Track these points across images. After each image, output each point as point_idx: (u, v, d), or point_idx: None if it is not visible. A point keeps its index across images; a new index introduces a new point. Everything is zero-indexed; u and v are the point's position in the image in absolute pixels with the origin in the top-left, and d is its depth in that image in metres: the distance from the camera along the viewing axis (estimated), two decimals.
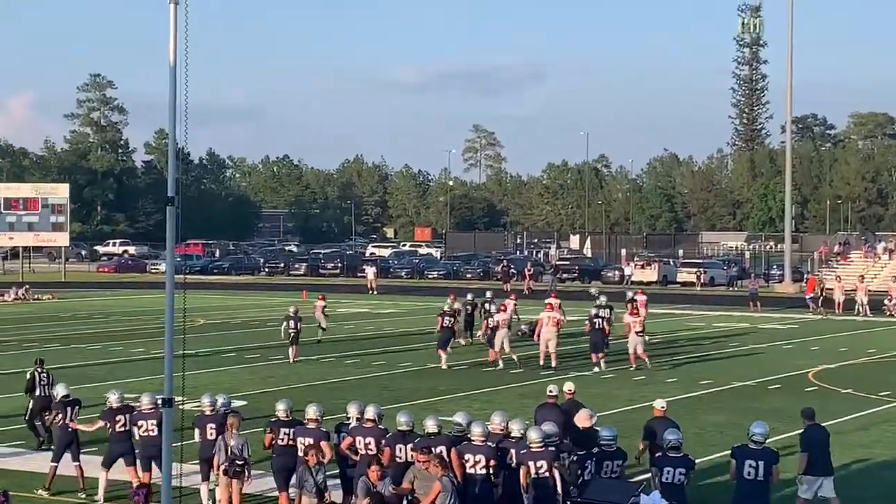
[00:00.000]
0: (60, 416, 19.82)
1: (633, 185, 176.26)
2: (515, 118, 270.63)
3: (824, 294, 57.76)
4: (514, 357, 35.44)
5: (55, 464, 19.54)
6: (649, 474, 17.77)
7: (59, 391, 20.47)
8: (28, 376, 24.20)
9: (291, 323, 37.18)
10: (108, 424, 19.29)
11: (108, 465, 19.19)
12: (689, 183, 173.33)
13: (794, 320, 53.51)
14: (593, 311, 36.17)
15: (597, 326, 35.71)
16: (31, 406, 23.58)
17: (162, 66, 13.76)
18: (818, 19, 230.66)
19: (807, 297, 58.67)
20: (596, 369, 34.66)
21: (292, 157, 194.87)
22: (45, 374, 23.87)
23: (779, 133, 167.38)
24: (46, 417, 20.83)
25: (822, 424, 18.65)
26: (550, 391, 19.89)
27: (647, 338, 36.12)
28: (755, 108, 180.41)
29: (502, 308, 37.17)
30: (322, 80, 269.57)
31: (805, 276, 71.74)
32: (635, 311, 36.14)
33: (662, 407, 18.63)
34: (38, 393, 23.53)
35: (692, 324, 51.39)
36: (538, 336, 35.89)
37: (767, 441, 16.29)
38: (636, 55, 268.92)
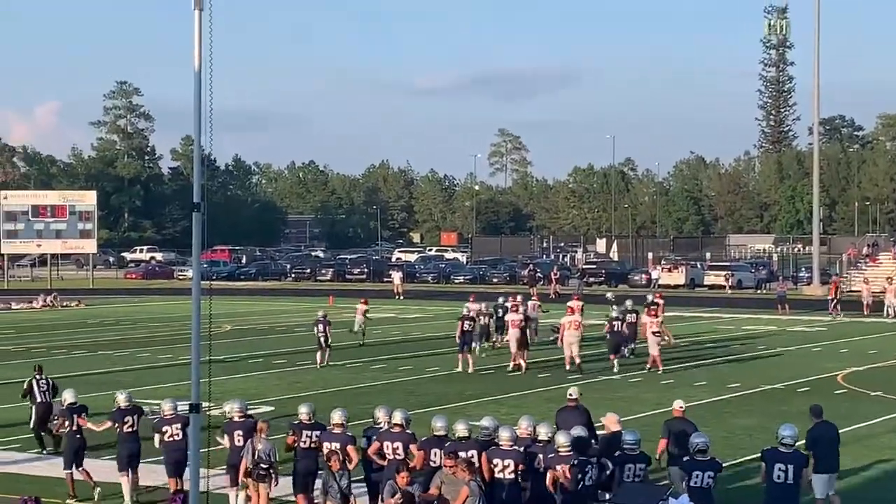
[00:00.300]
0: (67, 423, 19.87)
1: (659, 188, 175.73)
2: (541, 122, 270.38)
3: (839, 296, 57.62)
4: (522, 362, 35.55)
5: (69, 471, 19.64)
6: (668, 476, 17.74)
7: (67, 398, 20.44)
8: (25, 384, 24.26)
9: (320, 327, 37.10)
10: (117, 425, 19.42)
11: (124, 468, 19.29)
12: (715, 185, 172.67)
13: (822, 323, 53.25)
14: (613, 314, 36.67)
15: (615, 329, 36.16)
16: (33, 414, 23.67)
17: (188, 73, 13.78)
18: (845, 20, 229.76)
19: (829, 299, 58.44)
20: (615, 370, 35.05)
21: (318, 162, 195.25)
22: (44, 381, 23.98)
23: (806, 135, 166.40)
24: (53, 424, 20.81)
25: (833, 422, 18.51)
26: (571, 395, 19.83)
27: (663, 339, 36.10)
28: (782, 110, 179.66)
29: (513, 309, 37.23)
30: (347, 85, 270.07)
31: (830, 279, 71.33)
32: (652, 313, 36.35)
33: (681, 407, 18.65)
34: (38, 400, 23.64)
35: (720, 327, 51.18)
36: (562, 340, 35.99)
37: (797, 444, 16.16)
38: (662, 58, 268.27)
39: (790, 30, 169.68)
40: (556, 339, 37.35)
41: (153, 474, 20.11)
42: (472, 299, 40.20)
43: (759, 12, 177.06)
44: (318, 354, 36.86)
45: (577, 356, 35.15)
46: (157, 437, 19.01)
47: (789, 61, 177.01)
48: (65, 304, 67.19)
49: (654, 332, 35.36)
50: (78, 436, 19.83)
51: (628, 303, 39.77)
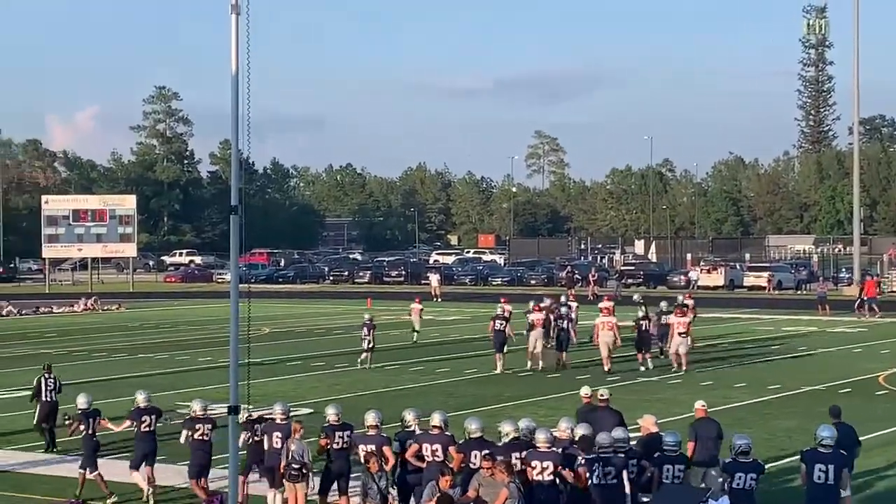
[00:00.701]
0: (83, 426, 19.99)
1: (698, 188, 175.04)
2: (578, 123, 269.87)
3: (866, 297, 57.32)
4: (540, 363, 35.95)
5: (95, 471, 19.85)
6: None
7: (80, 402, 20.56)
8: (34, 382, 24.52)
9: (366, 330, 37.21)
10: (134, 424, 19.69)
11: (136, 466, 19.63)
12: (755, 186, 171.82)
13: (863, 323, 52.90)
14: (640, 314, 36.97)
15: (642, 329, 36.67)
16: (38, 411, 23.90)
17: (226, 77, 13.84)
18: (884, 19, 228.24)
19: (865, 299, 58.01)
20: (642, 368, 35.69)
21: (355, 165, 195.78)
22: (51, 380, 24.28)
23: (846, 135, 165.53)
24: (67, 425, 20.87)
25: (850, 424, 18.43)
26: (602, 395, 19.87)
27: (689, 340, 36.04)
28: (822, 110, 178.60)
29: (536, 308, 37.22)
30: (384, 87, 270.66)
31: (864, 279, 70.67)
32: (680, 314, 36.40)
33: (703, 406, 18.78)
34: (44, 398, 23.88)
35: (760, 328, 50.93)
36: (597, 341, 36.34)
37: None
38: (699, 58, 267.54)
39: (829, 29, 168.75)
40: (591, 339, 37.80)
41: (166, 475, 20.43)
42: (503, 301, 40.16)
43: (798, 12, 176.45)
44: (364, 355, 37.09)
45: (607, 357, 35.43)
46: (185, 433, 19.23)
47: (828, 61, 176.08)
48: (105, 307, 67.62)
49: (680, 333, 35.54)
50: (94, 439, 20.12)
51: (663, 304, 39.92)
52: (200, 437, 19.02)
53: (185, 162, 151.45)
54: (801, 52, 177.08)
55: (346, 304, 69.55)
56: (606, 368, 35.24)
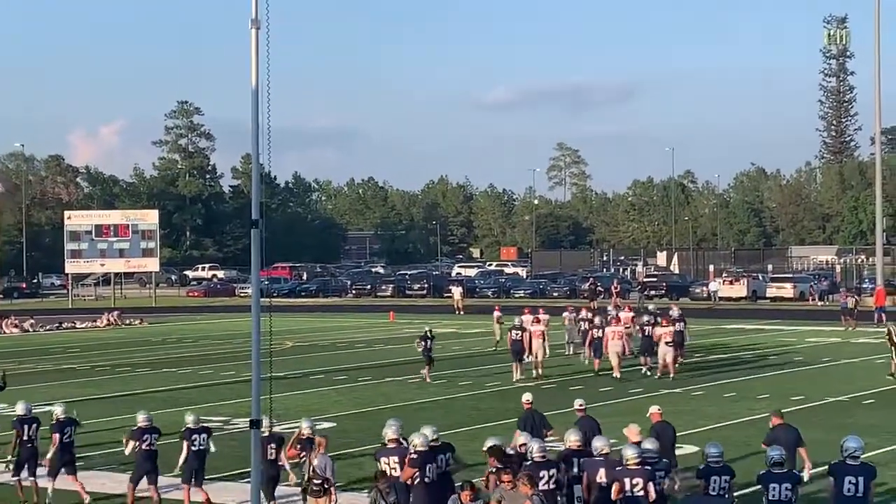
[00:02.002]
0: (136, 443, 19.99)
1: (720, 200, 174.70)
2: (600, 135, 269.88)
3: (857, 306, 57.04)
4: (539, 371, 37.26)
5: (29, 478, 20.33)
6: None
7: (18, 409, 20.75)
8: None
9: (427, 343, 36.79)
10: (136, 443, 19.77)
11: (135, 481, 19.83)
12: (777, 197, 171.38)
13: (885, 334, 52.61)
14: (645, 319, 38.80)
15: (646, 333, 38.10)
16: None
17: (247, 92, 13.88)
18: None
19: (875, 308, 57.84)
20: (644, 370, 37.44)
21: (377, 178, 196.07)
22: None
23: (868, 145, 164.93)
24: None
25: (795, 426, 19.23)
26: (580, 405, 20.66)
27: (676, 350, 37.38)
28: (843, 120, 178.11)
29: (536, 320, 38.45)
30: (405, 101, 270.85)
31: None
32: (667, 322, 37.83)
33: (658, 410, 19.77)
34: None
35: (783, 339, 50.76)
36: (607, 350, 37.44)
37: (863, 457, 15.98)
38: (721, 69, 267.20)
39: (850, 39, 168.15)
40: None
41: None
42: (526, 312, 40.29)
43: (819, 22, 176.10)
44: (425, 370, 36.73)
45: (616, 365, 36.59)
46: (186, 444, 19.54)
47: (850, 71, 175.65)
48: (128, 322, 67.81)
49: (666, 342, 36.71)
50: (30, 445, 20.44)
51: (675, 311, 40.59)
52: (196, 447, 19.48)
53: (208, 176, 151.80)
54: (823, 63, 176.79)
55: (368, 317, 69.61)
56: (616, 375, 36.15)
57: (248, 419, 15.63)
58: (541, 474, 15.78)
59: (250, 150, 14.21)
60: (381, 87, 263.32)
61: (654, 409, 19.87)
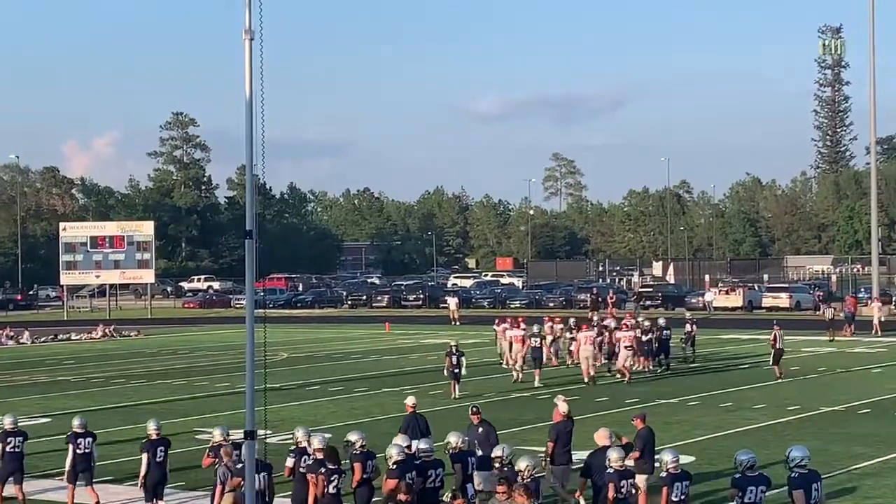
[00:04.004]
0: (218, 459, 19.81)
1: (715, 210, 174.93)
2: (595, 146, 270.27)
3: (835, 317, 56.94)
4: (517, 375, 38.69)
5: None
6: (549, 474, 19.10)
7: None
8: None
9: (453, 359, 35.42)
10: (148, 455, 19.70)
11: (150, 498, 19.82)
12: (772, 207, 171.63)
13: (882, 344, 52.68)
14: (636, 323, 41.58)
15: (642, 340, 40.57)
16: None
17: (242, 103, 13.86)
18: None
19: (845, 316, 57.94)
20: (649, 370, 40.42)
21: (373, 189, 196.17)
22: None
23: (863, 154, 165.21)
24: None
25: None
26: (474, 409, 21.12)
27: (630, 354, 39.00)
28: (839, 130, 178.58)
29: (516, 325, 40.55)
30: (401, 112, 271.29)
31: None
32: (626, 328, 40.08)
33: (564, 403, 20.64)
34: None
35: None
36: (577, 354, 39.61)
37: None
38: (715, 80, 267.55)
39: (845, 49, 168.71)
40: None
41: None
42: (549, 320, 42.09)
43: (814, 32, 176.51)
44: (453, 385, 35.50)
45: (592, 369, 38.11)
46: (144, 456, 19.55)
47: (845, 81, 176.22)
48: (123, 334, 67.72)
49: (626, 346, 38.68)
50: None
51: (661, 320, 42.26)
52: (158, 459, 19.61)
53: (203, 188, 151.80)
54: (817, 73, 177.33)
55: (364, 328, 69.57)
56: (586, 380, 37.67)
57: (242, 430, 15.65)
58: (428, 473, 16.49)
59: (245, 161, 14.18)
60: (376, 98, 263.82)
61: (561, 405, 20.55)
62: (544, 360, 40.20)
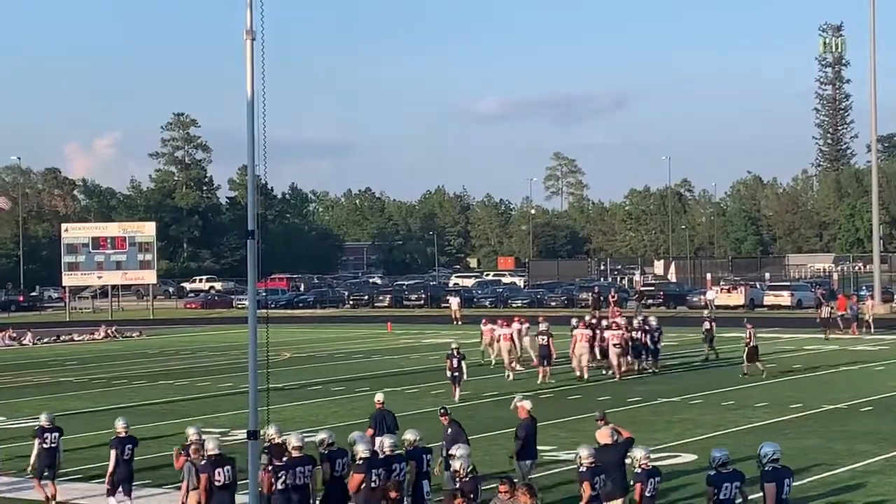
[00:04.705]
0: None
1: (716, 208, 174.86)
2: (596, 145, 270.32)
3: (831, 315, 56.71)
4: (510, 374, 40.04)
5: None
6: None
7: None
8: None
9: (454, 361, 34.61)
10: (116, 452, 19.90)
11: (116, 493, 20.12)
12: (773, 205, 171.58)
13: (884, 342, 52.65)
14: (635, 323, 41.81)
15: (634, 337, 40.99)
16: None
17: (243, 104, 13.88)
18: None
19: (838, 315, 57.65)
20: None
21: (374, 189, 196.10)
22: None
23: (864, 152, 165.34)
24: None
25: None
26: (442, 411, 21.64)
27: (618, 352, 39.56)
28: (839, 128, 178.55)
29: (504, 324, 42.24)
30: (402, 112, 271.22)
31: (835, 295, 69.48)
32: (615, 327, 40.43)
33: (525, 406, 21.00)
34: None
35: (781, 347, 50.73)
36: (572, 351, 39.70)
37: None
38: (716, 78, 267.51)
39: (846, 47, 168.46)
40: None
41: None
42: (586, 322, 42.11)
43: (815, 30, 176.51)
44: (454, 389, 34.73)
45: (585, 367, 38.85)
46: (113, 453, 19.73)
47: (845, 79, 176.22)
48: (126, 334, 67.72)
49: (614, 345, 39.38)
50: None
51: (652, 320, 42.64)
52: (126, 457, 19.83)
53: (204, 188, 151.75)
54: (818, 71, 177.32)
55: (365, 328, 69.56)
56: (578, 375, 38.71)
57: (245, 430, 15.73)
58: (393, 467, 16.80)
59: (247, 161, 14.21)
60: (377, 98, 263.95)
61: (523, 403, 21.16)
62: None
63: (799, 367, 42.14)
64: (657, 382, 37.99)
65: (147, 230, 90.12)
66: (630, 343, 40.29)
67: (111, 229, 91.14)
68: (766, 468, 15.24)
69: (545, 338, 39.13)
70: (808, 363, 43.62)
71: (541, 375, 38.46)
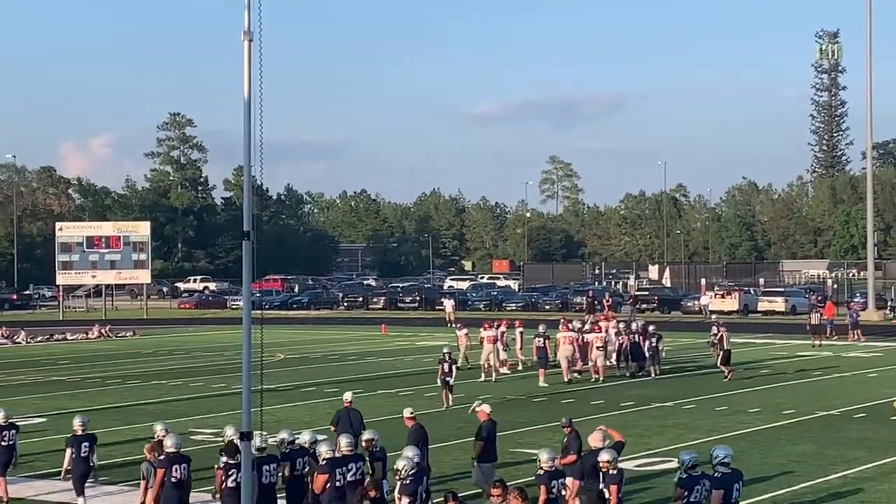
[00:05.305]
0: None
1: (712, 213, 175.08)
2: (592, 149, 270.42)
3: (821, 321, 56.56)
4: (493, 377, 40.08)
5: None
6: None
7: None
8: None
9: (445, 367, 33.89)
10: (73, 450, 20.05)
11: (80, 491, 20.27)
12: (768, 211, 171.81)
13: (878, 348, 52.72)
14: (633, 326, 42.76)
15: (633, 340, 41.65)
16: None
17: (240, 104, 13.89)
18: None
19: (826, 321, 57.46)
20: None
21: (370, 191, 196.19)
22: None
23: (860, 159, 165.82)
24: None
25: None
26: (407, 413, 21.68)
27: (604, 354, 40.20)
28: (835, 135, 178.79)
29: (486, 326, 41.62)
30: (398, 113, 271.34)
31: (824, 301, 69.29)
32: (598, 329, 41.34)
33: (410, 415, 21.49)
34: None
35: (775, 353, 50.80)
36: (557, 354, 40.02)
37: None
38: (712, 84, 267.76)
39: (842, 54, 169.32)
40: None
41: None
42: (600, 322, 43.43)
43: (811, 37, 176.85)
44: (444, 394, 34.13)
45: (567, 371, 39.10)
46: (68, 451, 19.96)
47: (841, 86, 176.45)
48: (119, 334, 67.67)
49: (598, 347, 39.79)
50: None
51: (635, 324, 43.37)
52: (83, 455, 19.97)
53: (200, 188, 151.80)
54: (815, 77, 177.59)
55: (360, 330, 69.55)
56: (567, 379, 38.67)
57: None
58: (349, 466, 16.87)
59: (242, 162, 14.20)
60: (373, 100, 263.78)
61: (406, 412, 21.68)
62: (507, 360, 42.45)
63: (792, 373, 42.17)
64: (651, 387, 38.05)
65: (142, 230, 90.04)
66: (630, 347, 40.98)
67: (106, 228, 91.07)
68: (716, 473, 15.46)
69: (542, 340, 39.37)
70: (801, 369, 43.64)
71: (541, 378, 38.58)
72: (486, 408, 21.51)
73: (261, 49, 13.97)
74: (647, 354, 41.09)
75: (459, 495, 16.25)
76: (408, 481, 15.93)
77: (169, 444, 17.57)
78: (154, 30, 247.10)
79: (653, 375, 40.54)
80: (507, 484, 15.55)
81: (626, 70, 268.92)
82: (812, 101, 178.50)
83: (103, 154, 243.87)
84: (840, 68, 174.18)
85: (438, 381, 34.56)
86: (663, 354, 42.56)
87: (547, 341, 39.53)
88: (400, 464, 16.13)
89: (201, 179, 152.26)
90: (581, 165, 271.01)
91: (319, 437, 18.17)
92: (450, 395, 34.22)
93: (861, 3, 77.24)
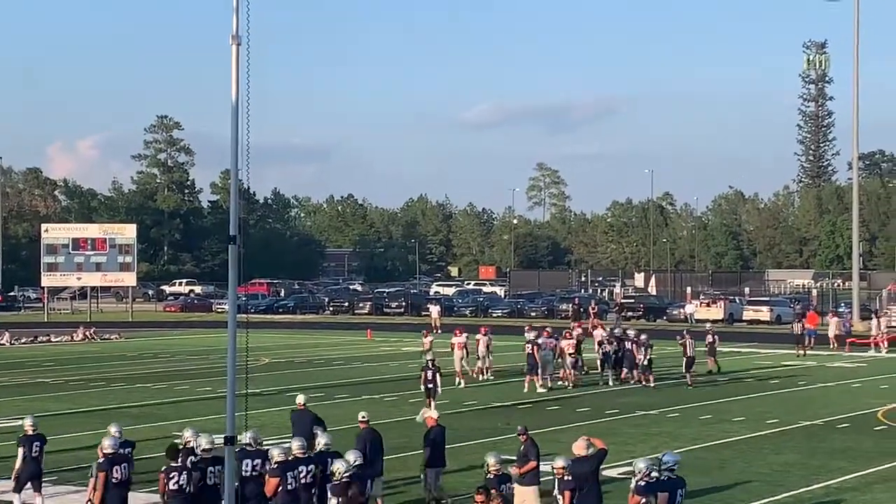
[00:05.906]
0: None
1: (698, 222, 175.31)
2: (579, 156, 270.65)
3: (803, 331, 56.34)
4: (462, 382, 40.82)
5: None
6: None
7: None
8: None
9: (428, 374, 33.68)
10: (24, 450, 20.16)
11: (19, 489, 20.35)
12: (754, 220, 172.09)
13: (862, 358, 52.84)
14: (618, 332, 43.74)
15: (604, 349, 41.94)
16: None
17: (227, 108, 13.89)
18: (884, 55, 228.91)
19: (806, 331, 57.07)
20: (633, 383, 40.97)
21: (357, 196, 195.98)
22: None
23: (846, 169, 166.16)
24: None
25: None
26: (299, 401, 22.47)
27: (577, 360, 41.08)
28: (822, 145, 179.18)
29: (457, 332, 43.38)
30: (385, 119, 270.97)
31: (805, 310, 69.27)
32: (569, 335, 41.70)
33: (363, 417, 21.65)
34: None
35: (759, 362, 50.87)
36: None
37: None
38: (700, 93, 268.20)
39: (829, 65, 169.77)
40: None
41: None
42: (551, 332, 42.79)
43: (799, 47, 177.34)
44: (428, 402, 33.08)
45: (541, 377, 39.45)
46: (20, 451, 20.11)
47: (828, 96, 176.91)
48: (104, 336, 67.50)
49: (570, 354, 40.56)
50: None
51: (618, 329, 44.51)
52: (34, 455, 20.09)
53: (186, 191, 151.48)
54: (802, 88, 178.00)
55: (345, 335, 69.48)
56: (539, 384, 39.02)
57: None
58: (300, 469, 16.95)
59: (230, 165, 14.20)
60: (361, 105, 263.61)
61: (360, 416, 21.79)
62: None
63: (776, 383, 42.25)
64: (636, 395, 38.07)
65: (128, 232, 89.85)
66: (623, 355, 41.46)
67: (92, 230, 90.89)
68: (662, 477, 15.75)
69: (531, 346, 39.44)
70: (785, 378, 43.71)
71: (526, 385, 38.90)
72: (434, 414, 22.09)
73: (248, 53, 13.99)
74: (643, 364, 41.13)
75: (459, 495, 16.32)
76: (338, 482, 16.17)
77: (107, 445, 17.68)
78: (143, 32, 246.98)
79: (647, 384, 40.58)
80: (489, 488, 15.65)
81: (614, 77, 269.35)
82: (799, 111, 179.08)
83: (90, 156, 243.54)
84: (827, 79, 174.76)
85: (422, 387, 34.35)
86: (645, 362, 42.51)
87: (535, 348, 39.36)
88: (337, 465, 16.38)
89: (188, 182, 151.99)
90: (568, 173, 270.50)
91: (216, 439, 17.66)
92: (433, 404, 33.98)
93: (848, 13, 77.45)
